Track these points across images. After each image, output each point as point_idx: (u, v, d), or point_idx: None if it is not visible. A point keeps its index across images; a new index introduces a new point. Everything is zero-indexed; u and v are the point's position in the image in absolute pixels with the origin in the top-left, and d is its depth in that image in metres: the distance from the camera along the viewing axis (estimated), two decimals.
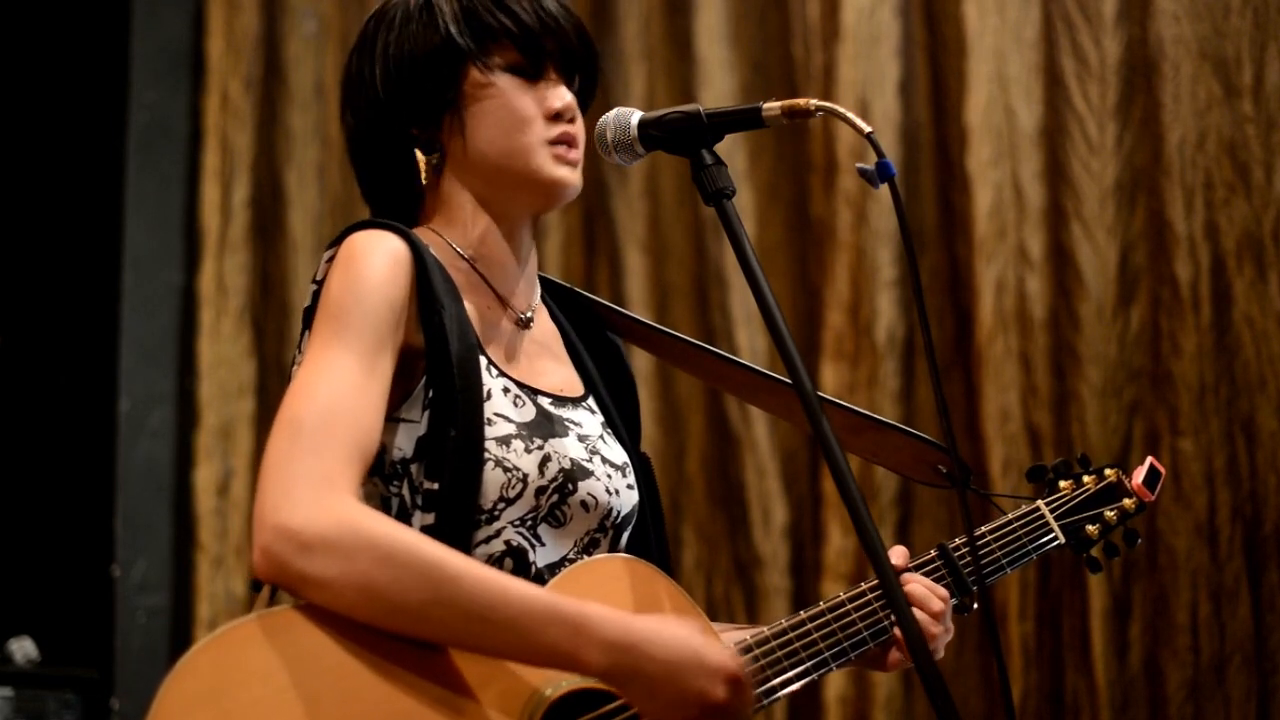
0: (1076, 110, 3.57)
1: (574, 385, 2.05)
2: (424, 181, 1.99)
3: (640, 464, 2.07)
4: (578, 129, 1.99)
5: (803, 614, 1.94)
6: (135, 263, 4.20)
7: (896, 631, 1.97)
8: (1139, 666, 3.38)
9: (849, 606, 1.97)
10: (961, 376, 3.62)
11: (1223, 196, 3.39)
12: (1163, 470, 2.24)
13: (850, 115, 1.78)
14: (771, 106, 1.83)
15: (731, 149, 3.85)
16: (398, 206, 2.02)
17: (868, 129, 1.75)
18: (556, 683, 1.75)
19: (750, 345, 3.87)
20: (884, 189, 1.77)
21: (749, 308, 3.85)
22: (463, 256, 1.99)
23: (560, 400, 2.00)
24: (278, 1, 4.40)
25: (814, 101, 1.81)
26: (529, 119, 1.96)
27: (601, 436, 2.01)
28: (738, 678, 1.71)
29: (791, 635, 1.91)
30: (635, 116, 1.91)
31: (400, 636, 1.67)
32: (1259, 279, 3.34)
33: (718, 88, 3.98)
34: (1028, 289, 3.58)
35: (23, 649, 3.74)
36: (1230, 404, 3.34)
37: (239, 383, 4.27)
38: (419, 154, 1.98)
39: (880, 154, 1.76)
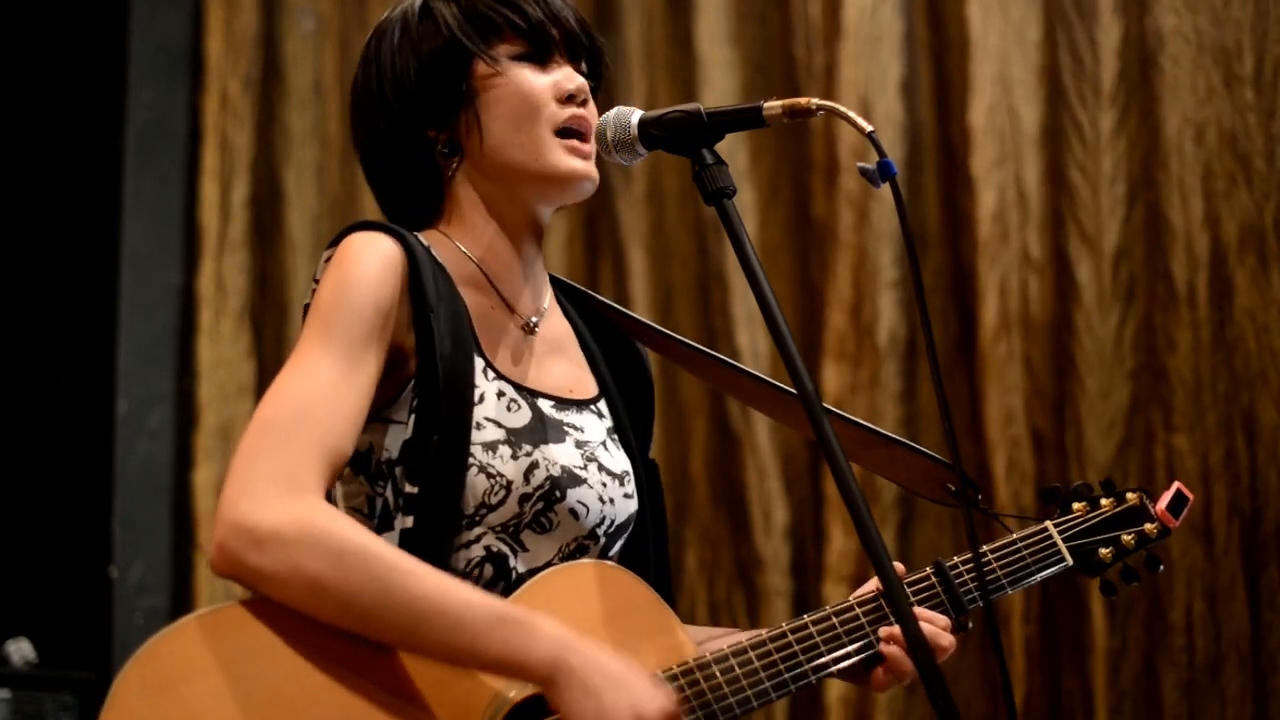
0: (1078, 110, 3.56)
1: (585, 386, 2.04)
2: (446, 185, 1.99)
3: (647, 471, 2.05)
4: (590, 113, 1.98)
5: (784, 625, 1.90)
6: (134, 263, 4.19)
7: (883, 647, 1.94)
8: (1136, 668, 3.36)
9: (835, 620, 1.93)
10: (965, 378, 3.61)
11: (1223, 188, 3.37)
12: (1190, 496, 2.15)
13: (851, 114, 1.76)
14: (772, 106, 1.82)
15: (733, 148, 3.84)
16: (418, 214, 2.01)
17: (868, 128, 1.73)
18: (519, 689, 1.73)
19: (752, 346, 3.86)
20: (885, 189, 1.76)
21: (751, 308, 3.83)
22: (470, 259, 1.98)
23: (564, 403, 1.98)
24: (276, 0, 4.39)
25: (815, 100, 1.79)
26: (539, 103, 1.95)
27: (604, 443, 1.99)
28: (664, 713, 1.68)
29: (770, 646, 1.88)
30: (635, 115, 1.90)
31: (359, 639, 1.67)
32: (1260, 271, 3.32)
33: (719, 87, 3.97)
34: (1030, 291, 3.56)
35: (20, 651, 3.73)
36: (1229, 398, 3.32)
37: (238, 383, 4.26)
38: (439, 158, 1.98)
39: (881, 153, 1.74)
